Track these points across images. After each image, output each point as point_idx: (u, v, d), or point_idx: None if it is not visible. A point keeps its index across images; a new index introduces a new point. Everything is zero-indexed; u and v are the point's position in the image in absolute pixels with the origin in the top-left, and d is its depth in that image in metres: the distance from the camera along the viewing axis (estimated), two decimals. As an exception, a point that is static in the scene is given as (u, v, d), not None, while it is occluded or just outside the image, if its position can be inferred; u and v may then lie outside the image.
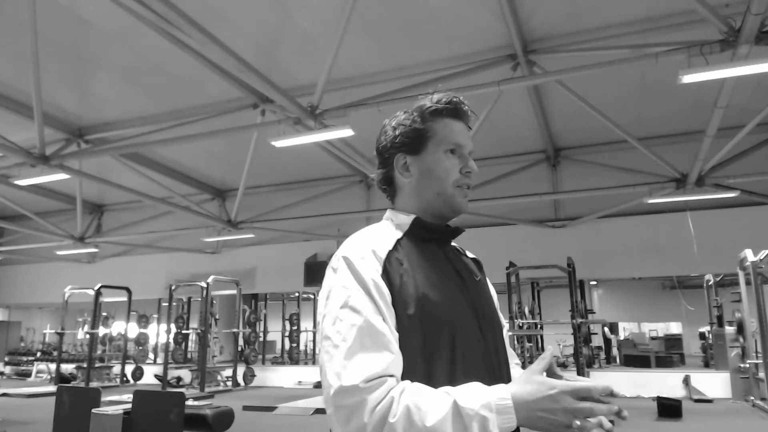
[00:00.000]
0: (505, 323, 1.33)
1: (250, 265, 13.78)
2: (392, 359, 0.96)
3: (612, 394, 0.89)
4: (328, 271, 1.08)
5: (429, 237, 1.19)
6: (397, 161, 1.21)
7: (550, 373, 1.03)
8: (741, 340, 9.47)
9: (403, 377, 0.98)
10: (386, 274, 1.05)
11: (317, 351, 1.06)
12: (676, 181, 9.11)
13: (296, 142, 7.34)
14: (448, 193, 1.18)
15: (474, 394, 0.90)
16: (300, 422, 7.66)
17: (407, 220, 1.19)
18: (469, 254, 1.34)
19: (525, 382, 0.93)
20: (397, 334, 1.00)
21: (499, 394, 0.90)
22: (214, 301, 13.61)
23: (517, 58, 7.26)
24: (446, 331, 1.04)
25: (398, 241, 1.14)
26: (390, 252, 1.09)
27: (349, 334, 0.96)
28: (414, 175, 1.20)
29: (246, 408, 8.65)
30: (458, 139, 1.20)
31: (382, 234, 1.15)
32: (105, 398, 5.66)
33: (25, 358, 16.80)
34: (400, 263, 1.08)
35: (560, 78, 6.89)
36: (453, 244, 1.30)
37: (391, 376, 0.95)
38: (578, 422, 0.86)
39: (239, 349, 13.16)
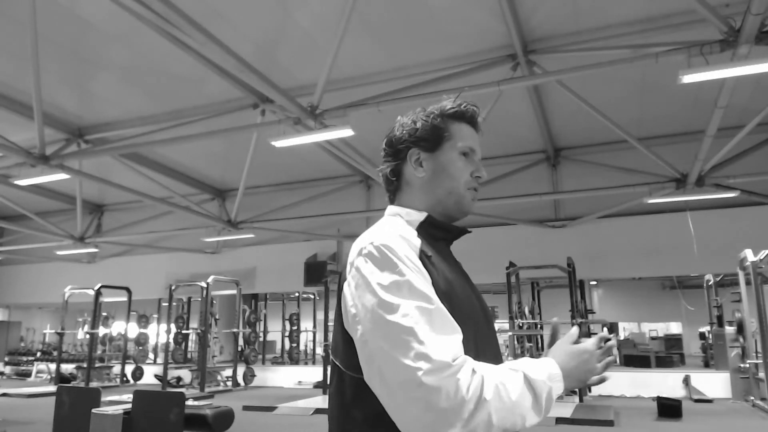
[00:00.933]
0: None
1: (250, 265, 13.77)
2: (461, 339, 0.99)
3: (608, 339, 1.14)
4: (360, 261, 1.05)
5: (439, 235, 1.20)
6: (411, 155, 1.22)
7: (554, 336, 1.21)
8: (741, 340, 9.47)
9: None
10: (423, 263, 1.06)
11: (362, 341, 1.03)
12: (676, 181, 9.11)
13: (296, 142, 7.33)
14: (460, 192, 1.21)
15: (536, 368, 1.00)
16: (300, 422, 7.67)
17: (419, 217, 1.19)
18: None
19: (564, 354, 1.08)
20: None
21: (554, 366, 1.03)
22: (214, 301, 13.60)
23: (517, 58, 7.25)
24: (470, 325, 1.06)
25: (416, 235, 1.14)
26: (420, 243, 1.10)
27: (422, 317, 0.95)
28: (427, 171, 1.21)
29: (246, 408, 8.65)
30: (473, 144, 1.24)
31: (399, 227, 1.14)
32: (105, 398, 5.65)
33: (25, 358, 16.79)
34: (427, 256, 1.09)
35: (560, 78, 6.89)
36: None
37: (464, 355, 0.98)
38: (599, 365, 1.09)
39: (239, 349, 13.15)
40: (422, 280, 1.01)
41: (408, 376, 0.91)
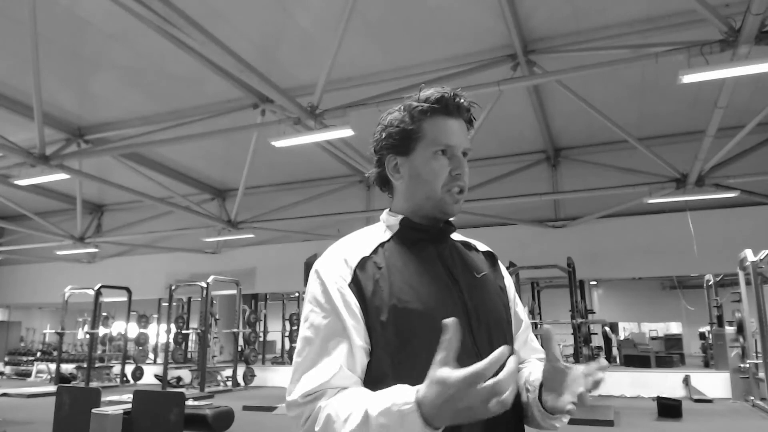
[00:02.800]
0: (524, 318, 1.30)
1: (250, 265, 13.78)
2: (336, 372, 0.97)
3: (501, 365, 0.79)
4: (309, 279, 1.12)
5: (417, 237, 1.16)
6: (388, 162, 1.18)
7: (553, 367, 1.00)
8: (741, 340, 9.46)
9: (376, 385, 0.96)
10: (356, 283, 1.05)
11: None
12: (676, 181, 9.11)
13: (296, 142, 7.34)
14: (437, 197, 1.12)
15: (382, 400, 0.86)
16: (300, 422, 7.66)
17: (395, 221, 1.18)
18: (481, 248, 1.29)
19: (430, 381, 0.82)
20: (360, 344, 1.00)
21: (403, 398, 0.84)
22: (214, 301, 13.60)
23: (517, 58, 7.26)
24: (423, 334, 1.00)
25: (381, 244, 1.12)
26: (364, 258, 1.08)
27: (303, 350, 1.03)
28: (404, 176, 1.16)
29: (246, 408, 8.65)
30: (448, 140, 1.12)
31: (365, 238, 1.14)
32: (105, 398, 5.64)
33: (25, 358, 16.78)
34: (378, 267, 1.07)
35: (560, 78, 6.89)
36: (460, 239, 1.25)
37: (335, 388, 0.97)
38: (493, 403, 0.76)
39: (239, 349, 13.15)
40: (321, 311, 1.04)
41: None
